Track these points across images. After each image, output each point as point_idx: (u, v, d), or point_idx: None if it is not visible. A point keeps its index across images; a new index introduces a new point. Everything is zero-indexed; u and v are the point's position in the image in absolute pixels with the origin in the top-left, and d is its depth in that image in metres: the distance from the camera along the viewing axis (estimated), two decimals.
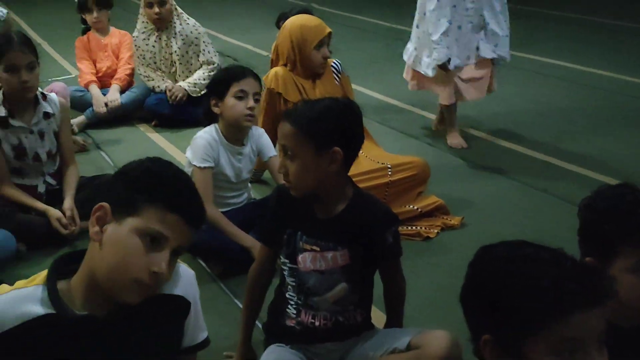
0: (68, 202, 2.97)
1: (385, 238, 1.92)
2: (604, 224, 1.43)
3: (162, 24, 4.47)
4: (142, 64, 4.59)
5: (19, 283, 1.38)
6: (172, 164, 1.44)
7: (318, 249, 1.90)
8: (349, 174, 3.09)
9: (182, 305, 1.46)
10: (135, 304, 1.34)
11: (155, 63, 4.58)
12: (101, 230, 1.33)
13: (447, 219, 3.09)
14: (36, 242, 2.87)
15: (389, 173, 3.11)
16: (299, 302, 1.95)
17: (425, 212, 3.10)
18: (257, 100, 2.73)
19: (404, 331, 2.00)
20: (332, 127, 1.83)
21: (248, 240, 2.69)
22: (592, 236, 1.47)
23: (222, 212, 2.77)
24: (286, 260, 1.95)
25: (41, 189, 3.08)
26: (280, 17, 4.54)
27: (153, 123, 4.56)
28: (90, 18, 4.65)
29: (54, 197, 3.05)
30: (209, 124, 2.83)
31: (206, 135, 2.75)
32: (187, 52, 4.53)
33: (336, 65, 3.34)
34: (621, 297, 1.40)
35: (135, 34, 4.60)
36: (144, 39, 4.54)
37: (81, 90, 4.63)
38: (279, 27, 4.61)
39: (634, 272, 1.41)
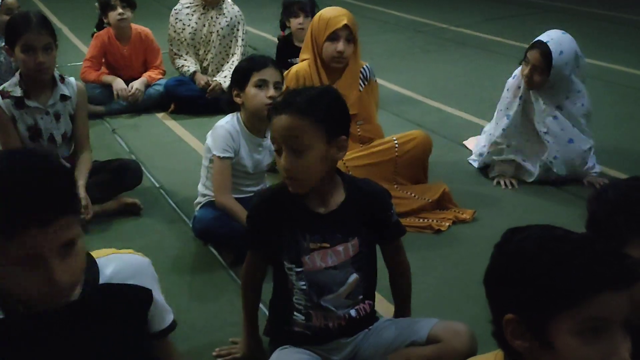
0: (80, 191, 2.98)
1: (391, 215, 1.93)
2: (614, 215, 1.42)
3: (217, 2, 4.48)
4: (177, 39, 4.55)
5: None
6: None
7: (328, 245, 1.86)
8: (356, 152, 3.13)
9: (140, 294, 1.40)
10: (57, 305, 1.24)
11: (193, 40, 4.55)
12: None
13: (459, 212, 3.07)
14: None
15: (396, 146, 3.16)
16: (309, 305, 1.90)
17: (434, 202, 3.08)
18: (277, 89, 2.71)
19: (419, 323, 1.97)
20: (339, 114, 1.83)
21: None
22: (601, 227, 1.45)
23: (238, 199, 2.76)
24: (292, 266, 1.88)
25: None
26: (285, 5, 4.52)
27: (170, 109, 4.55)
28: (113, 15, 4.43)
29: None
30: (230, 111, 2.83)
31: (228, 125, 2.74)
32: (228, 34, 4.54)
33: (365, 70, 3.26)
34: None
35: (177, 6, 4.57)
36: (188, 14, 4.53)
37: (96, 87, 4.48)
38: (283, 20, 4.61)
39: None
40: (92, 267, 1.33)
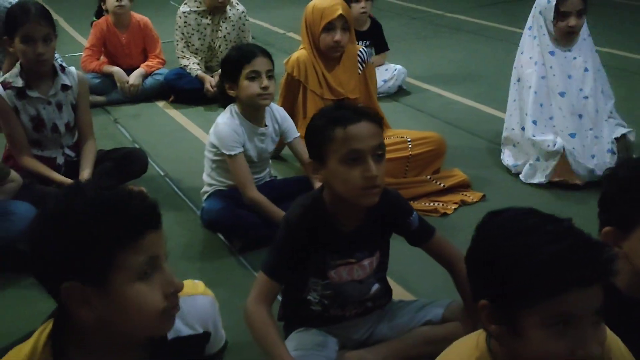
0: (86, 176, 2.98)
1: (412, 221, 1.93)
2: (625, 193, 1.42)
3: (222, 9, 4.44)
4: (183, 40, 4.52)
5: (18, 354, 1.24)
6: (79, 202, 1.19)
7: (354, 260, 1.89)
8: None
9: (203, 338, 1.43)
10: (172, 326, 1.28)
11: (202, 45, 4.52)
12: (90, 306, 1.17)
13: (466, 195, 3.08)
14: None
15: (409, 146, 3.11)
16: (327, 305, 1.94)
17: (447, 188, 3.10)
18: (270, 77, 2.72)
19: (434, 303, 2.01)
20: None
21: None
22: (612, 205, 1.45)
23: None
24: (317, 280, 1.90)
25: (60, 160, 3.09)
26: None
27: (170, 99, 4.55)
28: (111, 2, 4.42)
29: (73, 170, 3.05)
30: (224, 104, 2.84)
31: (228, 121, 2.75)
32: (234, 38, 4.51)
33: (362, 53, 3.28)
34: (637, 267, 1.40)
35: (184, 9, 4.49)
36: (196, 19, 4.48)
37: (96, 77, 4.48)
38: None
39: None
40: None
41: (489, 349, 1.23)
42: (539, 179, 3.19)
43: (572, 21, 3.12)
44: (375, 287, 1.95)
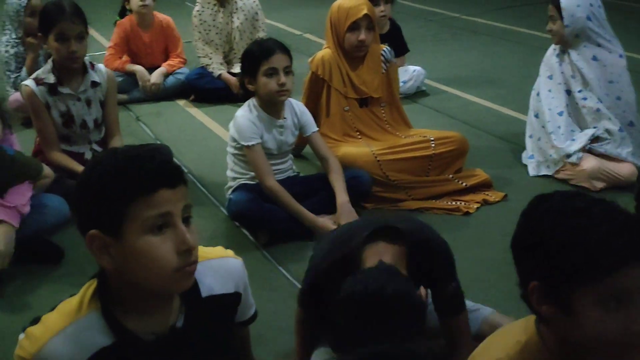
0: None
1: (448, 284, 1.83)
2: None
3: (231, 0, 4.50)
4: (202, 39, 4.57)
5: (67, 307, 1.32)
6: (111, 154, 1.28)
7: None
8: (389, 145, 3.16)
9: (234, 299, 1.49)
10: (190, 285, 1.32)
11: (220, 39, 4.57)
12: (110, 255, 1.26)
13: (488, 194, 3.11)
14: None
15: (432, 145, 3.14)
16: None
17: (469, 187, 3.13)
18: (287, 74, 2.75)
19: (472, 313, 1.97)
20: None
21: (308, 219, 2.75)
22: None
23: None
24: None
25: (88, 156, 3.14)
26: None
27: (190, 98, 4.61)
28: (135, 1, 4.47)
29: None
30: (245, 99, 2.88)
31: (246, 114, 2.80)
32: (247, 28, 4.56)
33: (385, 52, 3.30)
34: None
35: (197, 8, 4.57)
36: (211, 14, 4.54)
37: (118, 76, 4.50)
38: None
39: None
40: None
41: (538, 333, 1.24)
42: (545, 172, 3.30)
43: None
44: None
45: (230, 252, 1.53)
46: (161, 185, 1.23)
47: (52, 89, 3.00)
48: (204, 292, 1.40)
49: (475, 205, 3.03)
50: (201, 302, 1.39)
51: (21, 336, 1.30)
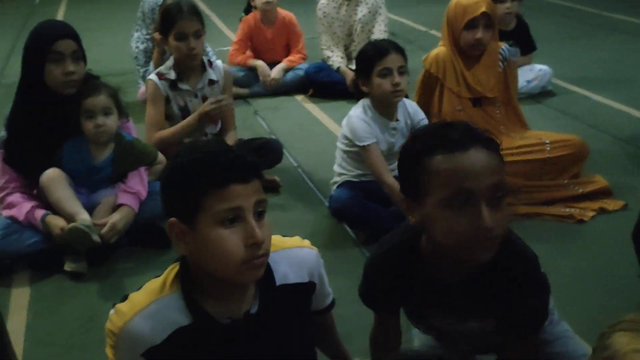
0: None
1: (536, 302, 1.50)
2: None
3: None
4: (325, 32, 4.66)
5: (151, 286, 1.40)
6: (191, 148, 1.36)
7: (455, 320, 1.60)
8: (504, 147, 3.03)
9: (309, 289, 1.50)
10: (258, 277, 1.34)
11: (342, 32, 4.64)
12: (185, 243, 1.32)
13: (606, 203, 2.92)
14: None
15: (547, 149, 2.99)
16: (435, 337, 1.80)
17: (585, 194, 2.96)
18: (402, 74, 2.72)
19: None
20: None
21: None
22: None
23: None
24: (416, 323, 1.72)
25: None
26: None
27: (309, 93, 4.69)
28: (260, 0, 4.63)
29: None
30: (359, 98, 2.88)
31: (360, 115, 2.80)
32: (369, 21, 4.60)
33: (504, 51, 3.19)
34: None
35: (322, 1, 4.66)
36: (334, 7, 4.63)
37: (240, 70, 4.73)
38: None
39: None
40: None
41: None
42: None
43: None
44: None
45: (306, 242, 1.54)
46: (233, 180, 1.27)
47: (172, 85, 3.14)
48: (278, 281, 1.43)
49: (591, 213, 2.85)
50: (275, 290, 1.42)
51: (112, 312, 1.40)
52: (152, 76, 3.17)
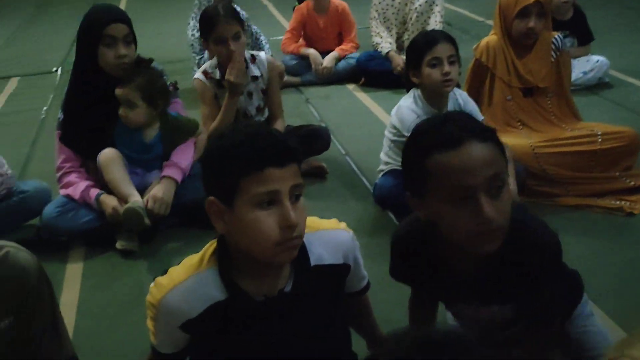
0: None
1: (553, 289, 1.50)
2: None
3: None
4: (377, 18, 4.66)
5: (190, 262, 1.45)
6: (233, 130, 1.38)
7: (474, 306, 1.63)
8: (550, 138, 2.99)
9: (343, 270, 1.52)
10: (292, 258, 1.38)
11: (396, 19, 4.64)
12: (223, 221, 1.36)
13: None
14: None
15: (599, 140, 2.93)
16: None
17: (638, 187, 2.89)
18: (452, 63, 2.70)
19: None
20: None
21: None
22: None
23: None
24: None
25: None
26: None
27: (360, 82, 4.69)
28: None
29: None
30: (409, 88, 2.88)
31: (411, 105, 2.79)
32: (425, 11, 4.57)
33: (557, 40, 3.13)
34: None
35: None
36: None
37: (293, 59, 4.80)
38: None
39: None
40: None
41: None
42: None
43: None
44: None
45: (343, 225, 1.56)
46: (270, 163, 1.30)
47: (218, 84, 3.17)
48: (313, 261, 1.46)
49: None
50: (309, 270, 1.45)
51: (152, 285, 1.46)
52: (199, 75, 3.20)
